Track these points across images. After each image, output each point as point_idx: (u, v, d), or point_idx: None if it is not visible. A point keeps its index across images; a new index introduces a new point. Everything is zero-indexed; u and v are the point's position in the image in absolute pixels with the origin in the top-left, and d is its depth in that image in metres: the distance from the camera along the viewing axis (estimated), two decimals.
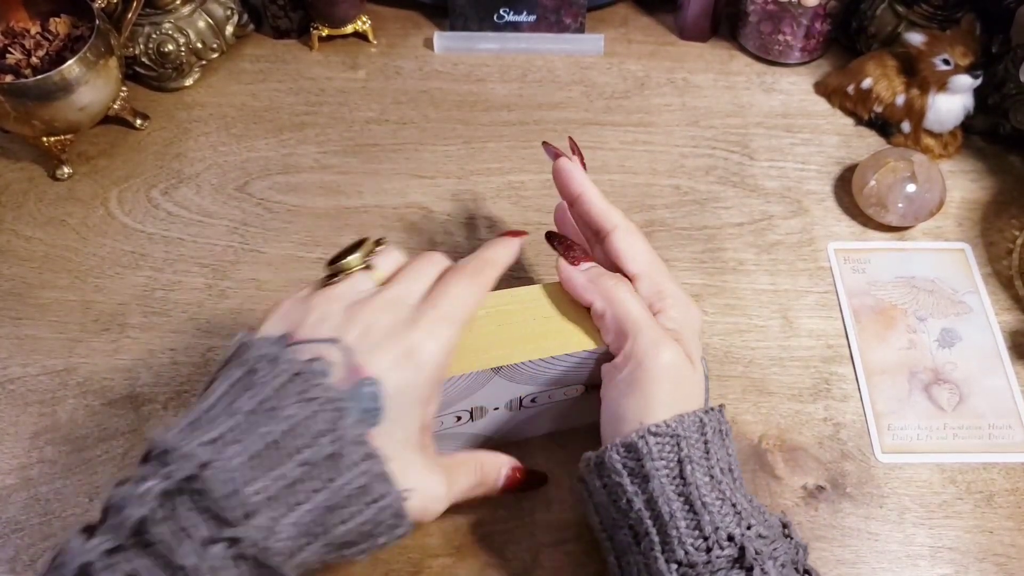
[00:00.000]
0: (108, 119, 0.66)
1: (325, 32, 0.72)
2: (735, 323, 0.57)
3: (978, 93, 0.64)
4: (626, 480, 0.38)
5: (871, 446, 0.52)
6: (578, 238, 0.49)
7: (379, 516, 0.35)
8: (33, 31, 0.64)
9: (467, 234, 0.62)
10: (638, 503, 0.38)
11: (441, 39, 0.73)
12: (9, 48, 0.63)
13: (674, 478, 0.37)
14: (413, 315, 0.37)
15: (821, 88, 0.71)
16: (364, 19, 0.73)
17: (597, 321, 0.42)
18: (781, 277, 0.60)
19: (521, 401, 0.46)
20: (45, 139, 0.62)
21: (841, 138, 0.68)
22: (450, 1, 0.73)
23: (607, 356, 0.42)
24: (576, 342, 0.42)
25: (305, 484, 0.33)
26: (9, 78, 0.60)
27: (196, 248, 0.61)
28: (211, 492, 0.31)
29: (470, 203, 0.63)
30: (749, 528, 0.37)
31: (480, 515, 0.48)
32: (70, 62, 0.59)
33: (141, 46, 0.68)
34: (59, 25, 0.64)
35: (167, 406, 0.53)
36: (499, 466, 0.44)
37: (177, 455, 0.32)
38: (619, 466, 0.38)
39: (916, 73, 0.64)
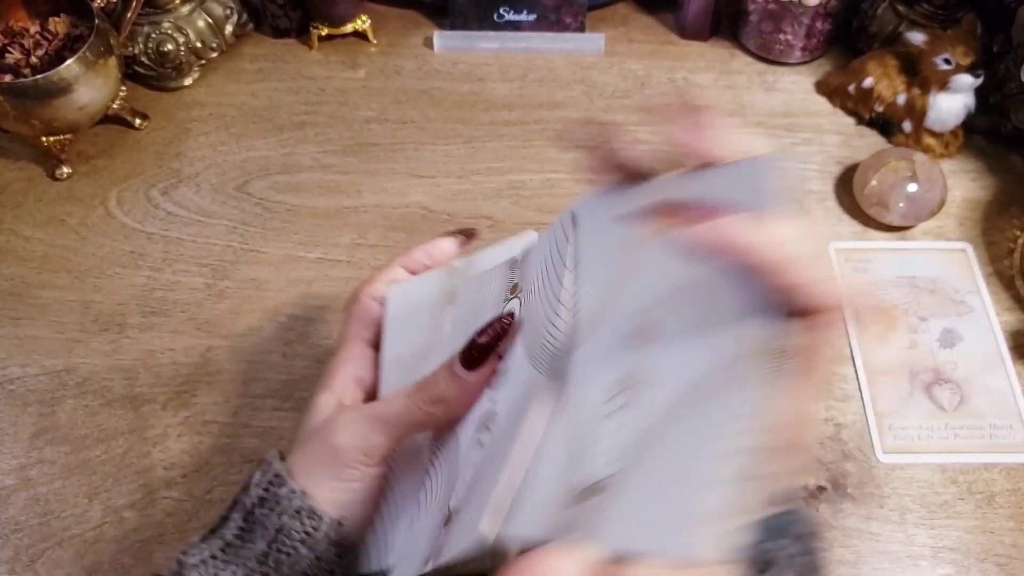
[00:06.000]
0: (107, 119, 0.66)
1: (325, 31, 0.72)
2: None
3: (979, 92, 0.63)
4: None
5: (872, 446, 0.52)
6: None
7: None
8: (32, 30, 0.64)
9: None
10: None
11: (441, 38, 0.73)
12: (8, 48, 0.63)
13: None
14: None
15: (822, 87, 0.71)
16: (364, 18, 0.73)
17: None
18: None
19: None
20: (44, 139, 0.62)
21: (842, 138, 0.67)
22: (450, 0, 0.72)
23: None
24: None
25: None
26: (8, 78, 0.60)
27: (195, 248, 0.61)
28: None
29: (470, 203, 0.63)
30: None
31: None
32: (69, 62, 0.59)
33: (140, 45, 0.67)
34: (58, 24, 0.64)
35: (166, 406, 0.53)
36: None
37: None
38: None
39: (917, 72, 0.63)
